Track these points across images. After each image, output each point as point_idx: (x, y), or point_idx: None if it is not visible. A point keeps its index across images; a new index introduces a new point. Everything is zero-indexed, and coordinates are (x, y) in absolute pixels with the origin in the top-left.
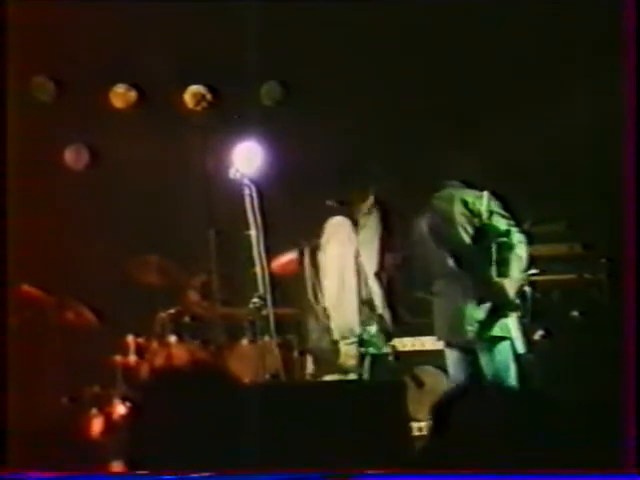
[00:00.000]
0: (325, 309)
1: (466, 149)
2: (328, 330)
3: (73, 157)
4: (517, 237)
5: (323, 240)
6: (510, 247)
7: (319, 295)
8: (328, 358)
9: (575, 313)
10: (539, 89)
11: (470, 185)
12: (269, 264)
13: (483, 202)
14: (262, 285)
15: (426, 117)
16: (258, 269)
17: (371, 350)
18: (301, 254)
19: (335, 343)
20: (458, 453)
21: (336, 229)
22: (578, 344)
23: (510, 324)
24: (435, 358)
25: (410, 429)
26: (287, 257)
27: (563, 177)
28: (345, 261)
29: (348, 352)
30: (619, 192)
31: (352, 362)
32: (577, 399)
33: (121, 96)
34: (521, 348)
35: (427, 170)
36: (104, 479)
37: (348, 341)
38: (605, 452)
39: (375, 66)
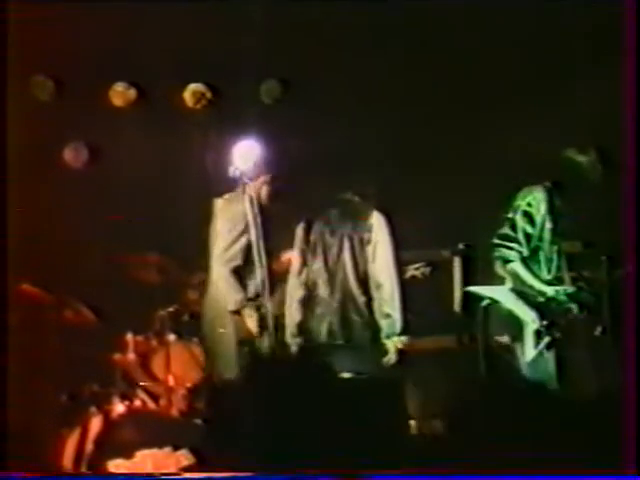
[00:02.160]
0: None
1: (466, 149)
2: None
3: (72, 155)
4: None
5: (373, 235)
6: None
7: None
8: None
9: (575, 312)
10: (538, 88)
11: None
12: (268, 262)
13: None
14: (261, 283)
15: (426, 115)
16: (257, 267)
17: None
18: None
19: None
20: (458, 452)
21: (381, 224)
22: (578, 343)
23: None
24: (435, 357)
25: (409, 427)
26: (287, 255)
27: (563, 176)
28: (391, 257)
29: (392, 349)
30: (620, 191)
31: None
32: (577, 399)
33: (121, 94)
34: (529, 355)
35: (426, 167)
36: (104, 479)
37: (395, 338)
38: (605, 452)
39: (375, 64)
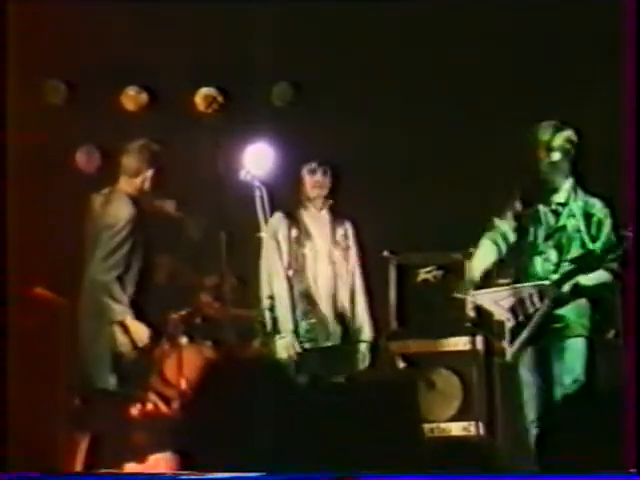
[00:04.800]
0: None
1: (479, 151)
2: None
3: (85, 159)
4: None
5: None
6: None
7: None
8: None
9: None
10: (539, 89)
11: None
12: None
13: None
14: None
15: (441, 116)
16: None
17: None
18: None
19: None
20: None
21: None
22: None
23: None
24: (447, 359)
25: (421, 430)
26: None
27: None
28: None
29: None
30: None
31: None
32: (579, 398)
33: (132, 98)
34: (508, 354)
35: (438, 169)
36: (104, 479)
37: None
38: (605, 452)
39: (387, 66)
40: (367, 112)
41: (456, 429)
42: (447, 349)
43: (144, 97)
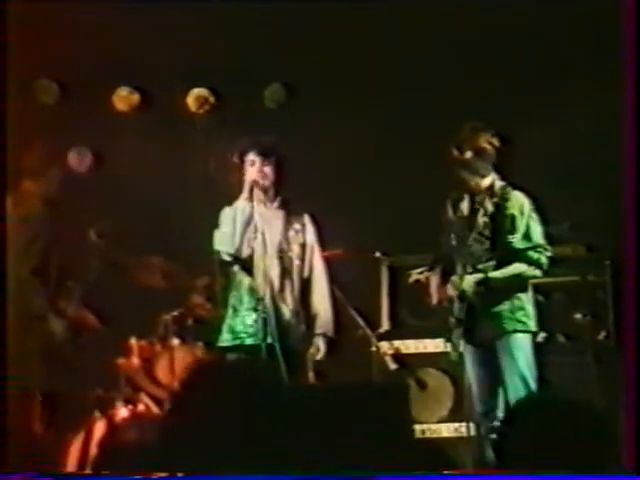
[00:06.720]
0: None
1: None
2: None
3: (76, 160)
4: None
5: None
6: None
7: None
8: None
9: (578, 315)
10: (539, 91)
11: None
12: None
13: None
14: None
15: (430, 119)
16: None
17: None
18: None
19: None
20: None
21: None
22: (581, 346)
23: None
24: (438, 360)
25: (413, 431)
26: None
27: (565, 178)
28: None
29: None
30: (623, 193)
31: None
32: (579, 401)
33: (124, 99)
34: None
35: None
36: (104, 479)
37: None
38: (605, 452)
39: (380, 68)
40: (361, 113)
41: (447, 430)
42: (439, 350)
43: (136, 98)
